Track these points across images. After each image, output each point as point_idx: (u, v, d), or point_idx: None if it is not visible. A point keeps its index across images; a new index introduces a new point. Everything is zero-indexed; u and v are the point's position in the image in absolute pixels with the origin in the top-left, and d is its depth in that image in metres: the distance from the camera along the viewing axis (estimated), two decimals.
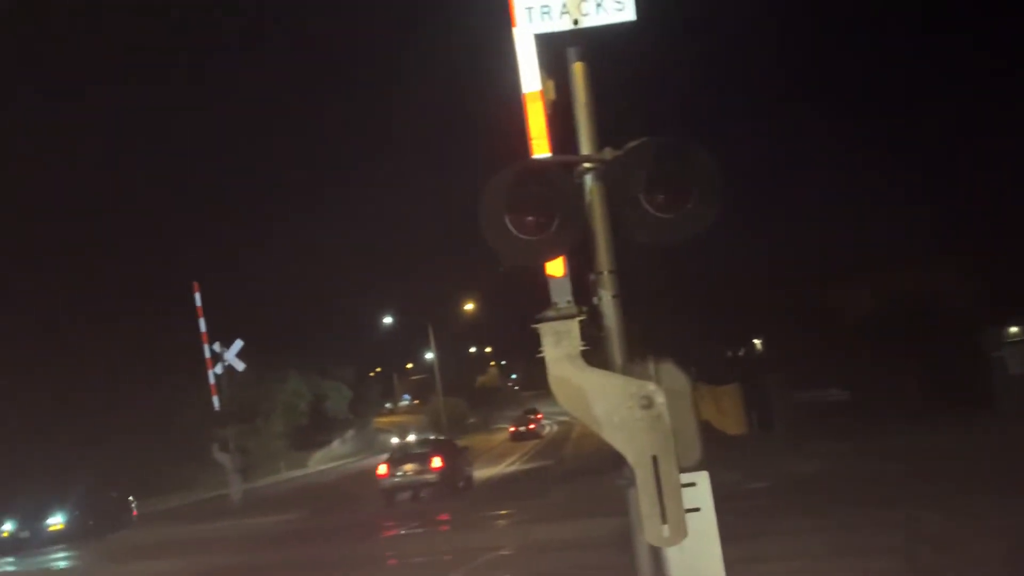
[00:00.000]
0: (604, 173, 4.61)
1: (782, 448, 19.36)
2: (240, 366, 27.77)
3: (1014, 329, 23.26)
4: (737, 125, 30.72)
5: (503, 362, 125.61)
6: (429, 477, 21.59)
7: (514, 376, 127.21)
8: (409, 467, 21.79)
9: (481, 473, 28.25)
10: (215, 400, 27.10)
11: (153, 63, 58.81)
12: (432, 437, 31.78)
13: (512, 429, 49.18)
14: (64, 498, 22.43)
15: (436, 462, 21.77)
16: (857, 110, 28.14)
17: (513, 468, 30.50)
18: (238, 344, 27.64)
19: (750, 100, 29.88)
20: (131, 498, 25.02)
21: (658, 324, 28.16)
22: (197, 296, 26.99)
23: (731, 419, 26.62)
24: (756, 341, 39.48)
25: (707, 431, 26.83)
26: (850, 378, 23.49)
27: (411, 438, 32.33)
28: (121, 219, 42.10)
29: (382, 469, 22.43)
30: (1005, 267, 22.14)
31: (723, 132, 29.94)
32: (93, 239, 37.68)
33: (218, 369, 27.18)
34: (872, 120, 27.66)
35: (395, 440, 45.59)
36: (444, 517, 18.02)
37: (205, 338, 27.10)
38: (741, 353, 39.03)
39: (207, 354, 27.12)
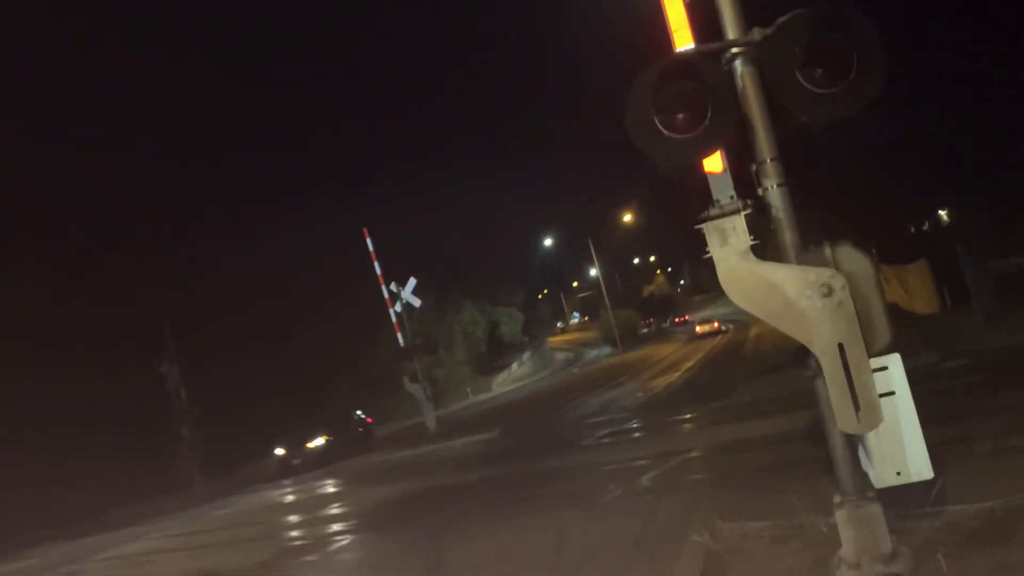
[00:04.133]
0: (754, 56, 4.34)
1: (981, 323, 18.03)
2: (416, 302, 29.04)
3: None
4: None
5: (669, 269, 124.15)
6: (716, 329, 58.25)
7: (682, 282, 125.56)
8: (706, 327, 59.65)
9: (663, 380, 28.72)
10: (399, 337, 28.58)
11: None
12: (711, 315, 69.93)
13: (698, 330, 61.43)
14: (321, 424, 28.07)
15: (716, 325, 59.67)
16: None
17: (692, 373, 30.35)
18: (412, 282, 28.86)
19: None
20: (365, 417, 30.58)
21: (832, 207, 26.66)
22: (368, 241, 28.25)
23: (921, 299, 25.02)
24: (942, 212, 36.57)
25: (897, 315, 25.43)
26: None
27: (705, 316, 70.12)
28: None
29: (697, 329, 61.07)
30: None
31: None
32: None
33: (397, 307, 28.57)
34: None
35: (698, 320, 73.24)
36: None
37: (381, 280, 28.46)
38: (926, 228, 36.35)
39: (385, 295, 28.52)
